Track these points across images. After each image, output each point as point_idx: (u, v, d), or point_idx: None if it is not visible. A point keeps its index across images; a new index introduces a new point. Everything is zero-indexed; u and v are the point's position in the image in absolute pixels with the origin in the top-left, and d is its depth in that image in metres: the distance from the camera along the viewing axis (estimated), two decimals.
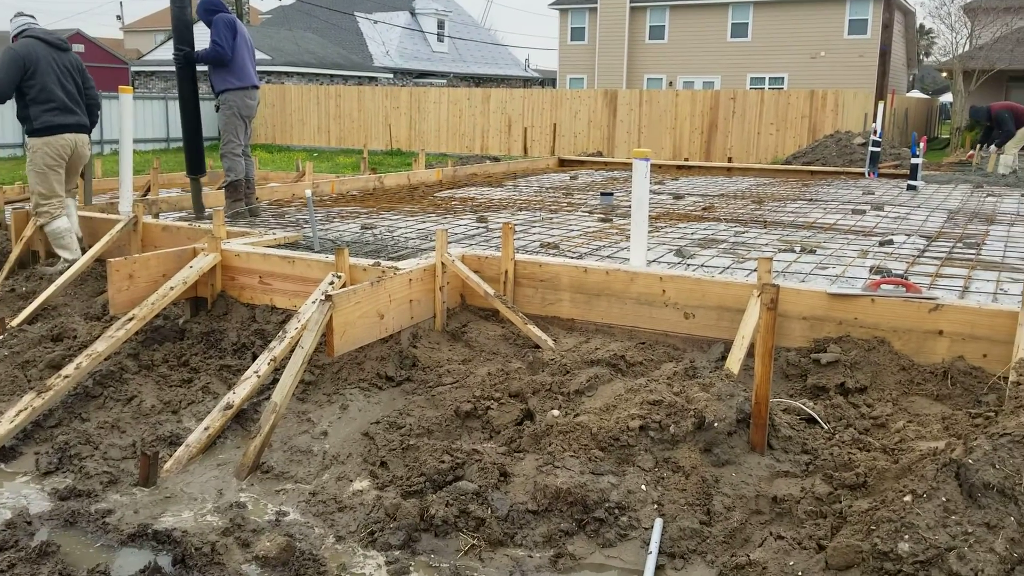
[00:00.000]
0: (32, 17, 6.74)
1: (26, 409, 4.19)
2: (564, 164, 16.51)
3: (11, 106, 6.62)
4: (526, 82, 45.72)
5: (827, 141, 17.79)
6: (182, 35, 7.35)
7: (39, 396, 4.26)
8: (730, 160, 17.79)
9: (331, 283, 4.89)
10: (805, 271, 5.81)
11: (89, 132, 6.89)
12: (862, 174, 14.27)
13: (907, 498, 3.00)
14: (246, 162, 7.98)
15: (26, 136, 6.71)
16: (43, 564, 3.13)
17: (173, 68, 7.75)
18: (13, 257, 6.74)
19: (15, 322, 5.64)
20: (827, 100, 20.88)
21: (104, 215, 7.21)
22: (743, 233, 7.54)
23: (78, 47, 37.12)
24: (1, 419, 4.14)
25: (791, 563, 3.02)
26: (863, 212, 9.13)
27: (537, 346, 4.91)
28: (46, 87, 6.47)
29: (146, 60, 35.89)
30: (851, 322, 4.54)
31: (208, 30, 7.54)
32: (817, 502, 3.31)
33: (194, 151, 7.64)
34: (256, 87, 7.82)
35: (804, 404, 4.04)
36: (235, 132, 7.70)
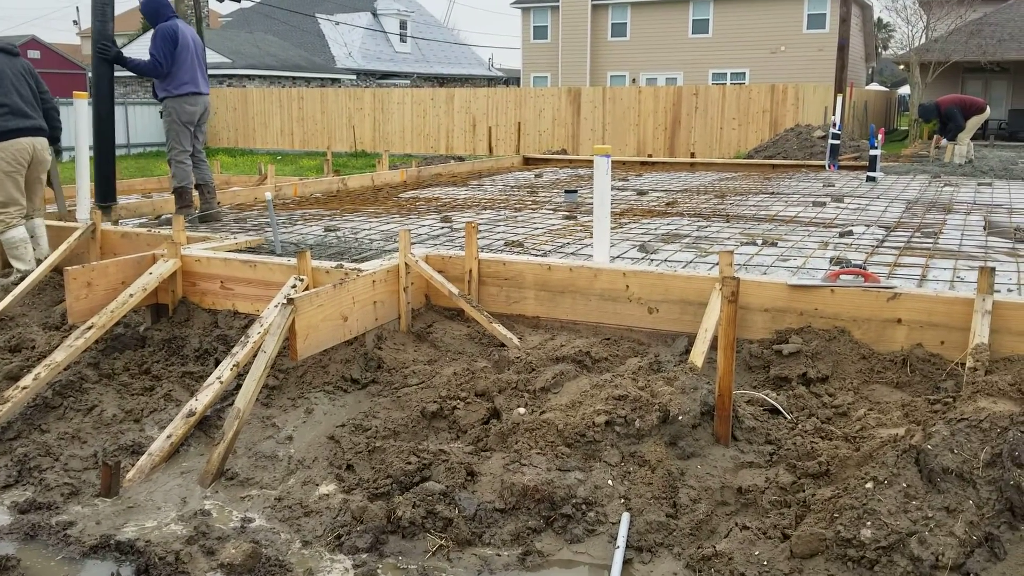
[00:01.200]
0: None
1: None
2: (529, 162, 16.54)
3: None
4: (490, 81, 45.70)
5: (788, 135, 17.98)
6: (103, 48, 7.21)
7: None
8: (693, 155, 17.91)
9: (293, 286, 4.85)
10: (767, 263, 5.87)
11: (52, 138, 6.74)
12: (822, 167, 14.45)
13: (869, 485, 3.05)
14: (202, 167, 7.92)
15: None
16: None
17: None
18: None
19: None
20: (788, 94, 21.10)
21: (62, 223, 7.09)
22: (706, 227, 7.59)
23: (34, 53, 36.56)
24: None
25: (757, 553, 3.05)
26: (823, 204, 9.24)
27: (503, 344, 4.90)
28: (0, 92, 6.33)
29: None
30: (812, 313, 4.59)
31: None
32: (781, 492, 3.34)
33: (104, 176, 7.38)
34: (199, 93, 7.72)
35: (767, 395, 4.08)
36: (178, 139, 7.68)
